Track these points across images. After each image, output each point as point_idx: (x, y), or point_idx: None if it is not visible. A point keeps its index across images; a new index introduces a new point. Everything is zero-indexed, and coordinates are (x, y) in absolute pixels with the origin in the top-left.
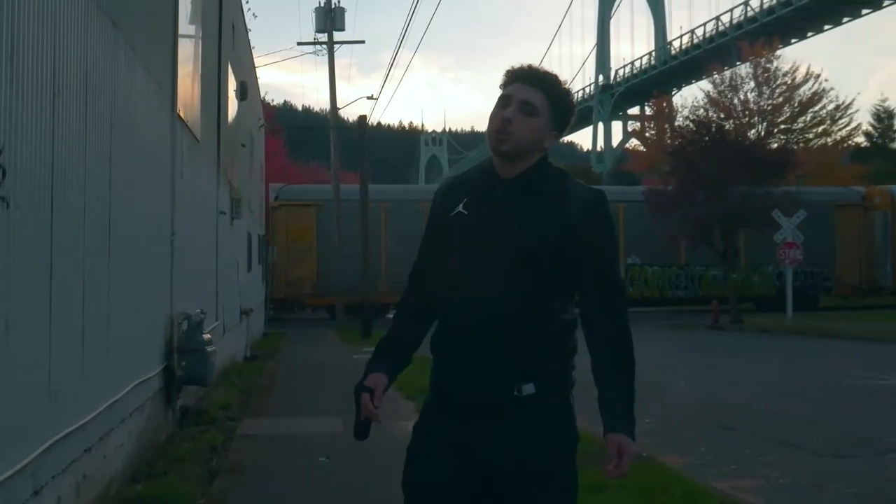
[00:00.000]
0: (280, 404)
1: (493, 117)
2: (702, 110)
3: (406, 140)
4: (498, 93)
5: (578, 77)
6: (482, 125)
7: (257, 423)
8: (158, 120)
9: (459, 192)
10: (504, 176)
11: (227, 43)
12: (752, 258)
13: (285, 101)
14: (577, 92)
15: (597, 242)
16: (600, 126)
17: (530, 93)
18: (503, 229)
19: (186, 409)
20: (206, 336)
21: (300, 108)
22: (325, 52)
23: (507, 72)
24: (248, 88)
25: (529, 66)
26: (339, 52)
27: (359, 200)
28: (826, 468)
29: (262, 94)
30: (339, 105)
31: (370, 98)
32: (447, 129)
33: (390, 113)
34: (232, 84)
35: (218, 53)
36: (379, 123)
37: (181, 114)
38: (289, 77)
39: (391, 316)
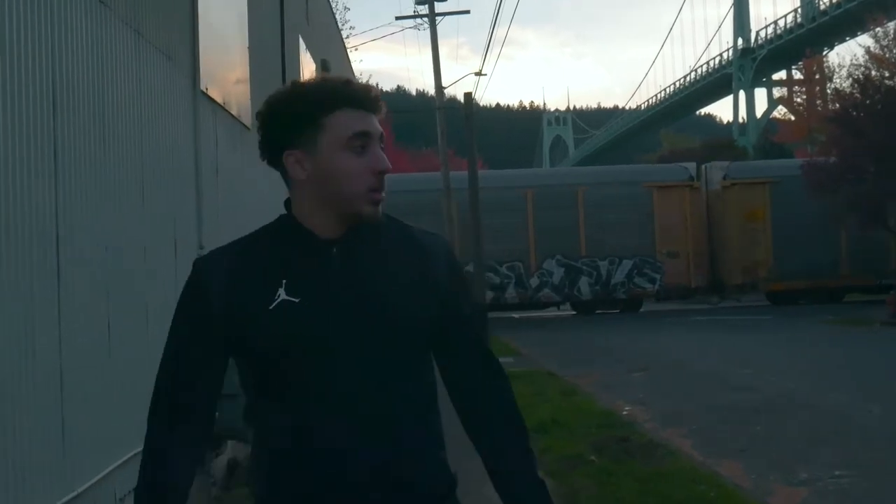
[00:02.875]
0: None
1: (357, 171)
2: (863, 69)
3: (528, 121)
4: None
5: (714, 42)
6: (608, 101)
7: None
8: (168, 99)
9: (261, 272)
10: (328, 235)
11: (297, 14)
12: None
13: (398, 87)
14: (714, 58)
15: (464, 306)
16: (741, 95)
17: (378, 124)
18: (364, 311)
19: (236, 463)
20: None
21: (414, 92)
22: (426, 25)
23: (325, 91)
24: (331, 68)
25: (360, 83)
26: (448, 31)
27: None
28: None
29: (367, 79)
30: (445, 84)
31: (478, 74)
32: (571, 107)
33: (510, 93)
34: (309, 63)
35: (281, 25)
36: (497, 105)
37: (210, 93)
38: (398, 61)
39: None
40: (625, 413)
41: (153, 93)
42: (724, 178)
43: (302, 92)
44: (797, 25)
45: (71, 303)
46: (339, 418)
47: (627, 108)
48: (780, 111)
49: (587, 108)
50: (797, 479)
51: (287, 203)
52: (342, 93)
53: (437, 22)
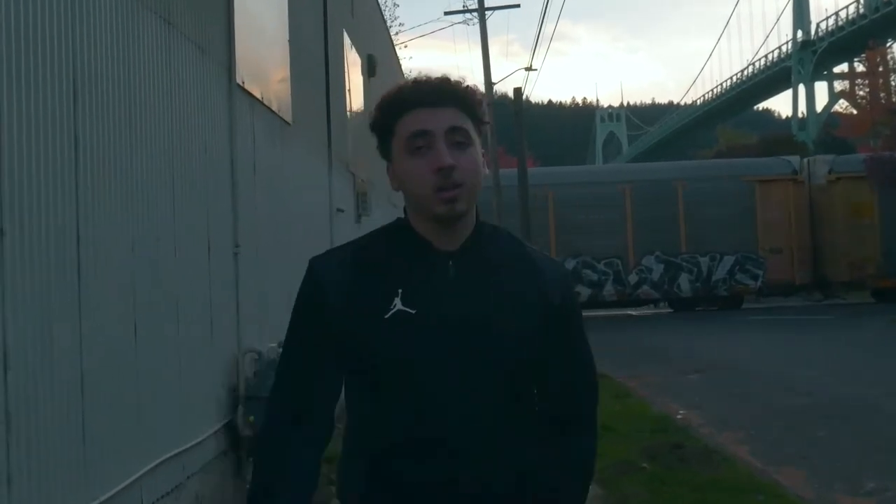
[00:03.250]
0: None
1: (417, 172)
2: None
3: (580, 117)
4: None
5: (773, 35)
6: (662, 97)
7: None
8: (201, 93)
9: (378, 279)
10: (444, 247)
11: (341, 7)
12: None
13: None
14: (773, 52)
15: (576, 334)
16: (801, 89)
17: (451, 115)
18: (476, 329)
19: None
20: None
21: None
22: (475, 20)
23: (395, 98)
24: (377, 63)
25: (429, 80)
26: (499, 27)
27: None
28: None
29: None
30: (495, 80)
31: (528, 69)
32: (625, 103)
33: (562, 90)
34: (354, 59)
35: (324, 19)
36: (549, 101)
37: (247, 87)
38: (449, 59)
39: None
40: (679, 417)
41: (184, 86)
42: (829, 171)
43: (379, 103)
44: (860, 16)
45: (92, 302)
46: (439, 432)
47: (682, 103)
48: (842, 105)
49: (641, 104)
50: (863, 489)
51: (405, 209)
52: (404, 96)
53: (486, 16)
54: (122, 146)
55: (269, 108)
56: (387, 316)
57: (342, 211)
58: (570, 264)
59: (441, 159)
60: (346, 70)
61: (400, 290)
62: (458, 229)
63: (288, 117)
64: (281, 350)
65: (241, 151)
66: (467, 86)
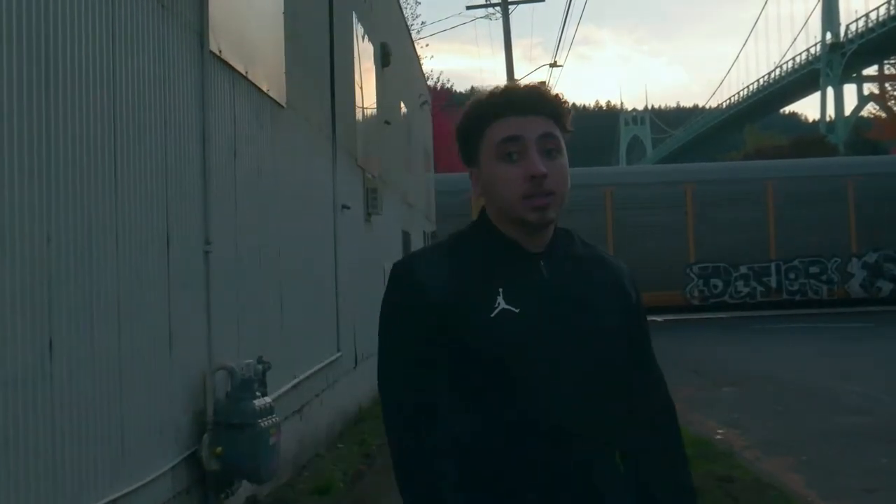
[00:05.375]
0: None
1: (509, 178)
2: None
3: (604, 119)
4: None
5: (801, 37)
6: (687, 100)
7: None
8: (159, 58)
9: (477, 277)
10: (533, 248)
11: None
12: None
13: (473, 87)
14: (801, 54)
15: (645, 327)
16: (829, 91)
17: (542, 123)
18: (578, 322)
19: (255, 502)
20: (263, 401)
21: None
22: (497, 16)
23: (486, 103)
24: (391, 53)
25: (519, 87)
26: (522, 30)
27: None
28: None
29: (437, 77)
30: (518, 78)
31: (552, 66)
32: (649, 106)
33: (586, 93)
34: (366, 46)
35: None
36: (573, 105)
37: (226, 57)
38: (472, 62)
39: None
40: (718, 437)
41: (134, 47)
42: None
43: (468, 109)
44: (890, 18)
45: None
46: (546, 424)
47: (708, 107)
48: (874, 107)
49: (666, 108)
50: None
51: (483, 210)
52: (496, 102)
53: (510, 11)
54: (30, 118)
55: (255, 86)
56: (492, 315)
57: (348, 208)
58: (871, 258)
59: (535, 167)
60: (355, 56)
61: (501, 289)
62: (544, 232)
63: (281, 99)
64: (378, 365)
65: (217, 132)
66: (557, 94)
